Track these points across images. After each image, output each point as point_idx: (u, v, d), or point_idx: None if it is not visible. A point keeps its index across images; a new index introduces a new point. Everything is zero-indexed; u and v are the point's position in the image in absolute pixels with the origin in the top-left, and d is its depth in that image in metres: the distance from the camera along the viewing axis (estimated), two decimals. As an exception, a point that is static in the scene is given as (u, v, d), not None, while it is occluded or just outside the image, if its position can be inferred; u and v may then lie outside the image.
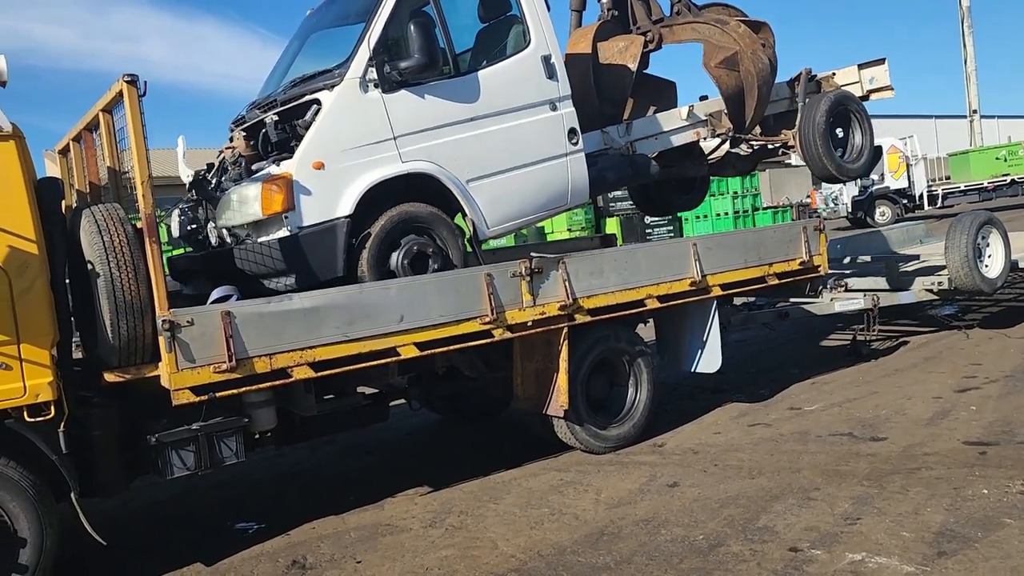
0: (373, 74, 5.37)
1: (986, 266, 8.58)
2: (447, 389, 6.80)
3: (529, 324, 5.73)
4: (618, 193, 29.37)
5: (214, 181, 5.69)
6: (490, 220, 5.87)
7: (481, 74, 5.88)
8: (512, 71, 6.02)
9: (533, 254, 5.80)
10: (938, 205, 26.86)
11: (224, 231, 5.49)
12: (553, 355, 5.98)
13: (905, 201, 26.66)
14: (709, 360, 6.81)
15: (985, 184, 26.80)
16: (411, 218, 5.48)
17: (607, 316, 6.12)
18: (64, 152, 6.21)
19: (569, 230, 25.11)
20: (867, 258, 9.83)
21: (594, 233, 24.49)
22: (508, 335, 5.65)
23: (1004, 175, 26.92)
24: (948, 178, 29.59)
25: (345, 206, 5.21)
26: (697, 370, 6.92)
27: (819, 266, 7.45)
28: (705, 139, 7.85)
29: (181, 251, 6.95)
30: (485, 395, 7.18)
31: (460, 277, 5.47)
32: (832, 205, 27.28)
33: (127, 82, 4.39)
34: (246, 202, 5.18)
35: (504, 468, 6.16)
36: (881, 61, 8.46)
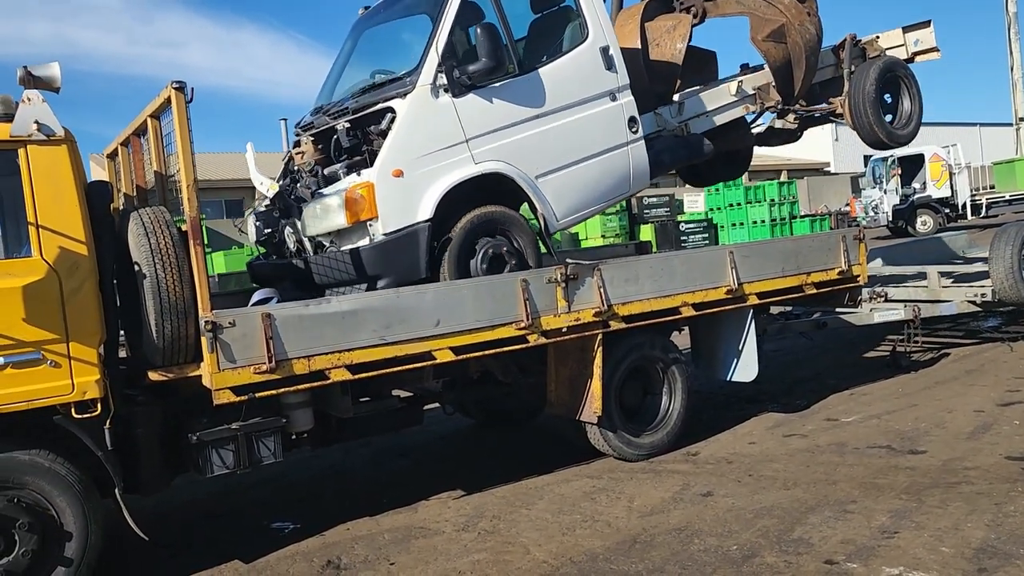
0: (443, 79, 5.54)
1: (1031, 278, 8.40)
2: (481, 394, 6.84)
3: (564, 330, 5.75)
4: (652, 200, 29.46)
5: (289, 188, 5.82)
6: (559, 213, 6.05)
7: (543, 71, 6.01)
8: (573, 65, 6.14)
9: (568, 260, 5.82)
10: (982, 215, 26.28)
11: (305, 239, 5.67)
12: (587, 361, 5.98)
13: (947, 210, 26.12)
14: (745, 369, 6.76)
15: (1030, 194, 26.16)
16: (490, 220, 5.68)
17: (642, 323, 6.12)
18: (112, 156, 6.37)
19: (603, 236, 25.08)
20: (909, 268, 9.70)
21: (628, 240, 24.49)
22: (543, 341, 5.68)
23: (1051, 185, 26.24)
24: (992, 187, 28.98)
25: (425, 210, 5.39)
26: (733, 379, 6.88)
27: (858, 276, 7.37)
28: (754, 114, 7.87)
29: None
30: (518, 400, 7.21)
31: (496, 282, 5.50)
32: (872, 214, 26.80)
33: (175, 89, 4.50)
34: (330, 212, 5.39)
35: (537, 473, 6.18)
36: (927, 23, 8.38)
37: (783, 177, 42.05)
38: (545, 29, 6.39)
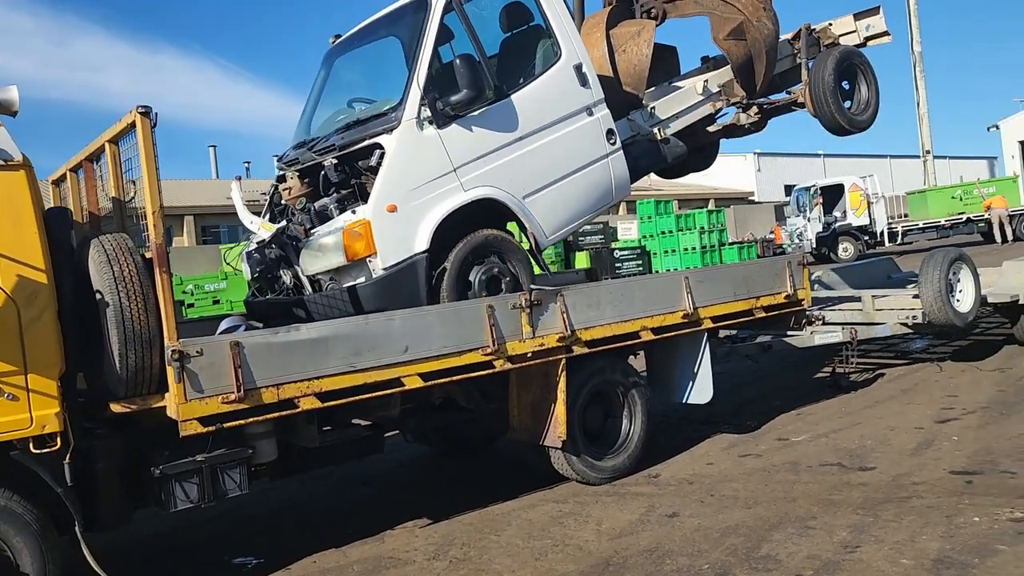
0: (427, 112, 5.63)
1: (958, 300, 8.83)
2: (443, 420, 6.78)
3: (529, 355, 5.79)
4: (586, 227, 29.87)
5: (283, 227, 5.79)
6: (547, 230, 6.26)
7: (521, 94, 6.18)
8: (549, 86, 6.32)
9: (532, 287, 5.88)
10: (898, 242, 27.59)
11: (304, 277, 5.66)
12: (550, 386, 6.03)
13: (866, 238, 27.33)
14: (700, 391, 6.91)
15: (942, 222, 27.61)
16: (483, 244, 5.84)
17: (603, 348, 6.21)
18: (59, 182, 6.17)
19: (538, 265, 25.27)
20: (843, 292, 10.09)
21: (564, 267, 24.75)
22: (509, 366, 5.71)
23: (960, 213, 27.80)
24: (906, 215, 30.44)
25: (422, 242, 5.53)
26: (688, 401, 7.01)
27: (803, 300, 7.64)
28: (720, 110, 8.20)
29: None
30: (477, 427, 7.19)
31: (462, 308, 5.52)
32: (797, 241, 27.81)
33: (140, 113, 4.41)
34: (328, 251, 5.44)
35: (502, 499, 6.16)
36: (876, 10, 8.81)
37: (711, 206, 43.28)
38: (516, 48, 6.57)
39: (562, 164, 6.29)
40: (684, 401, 7.04)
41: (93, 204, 5.63)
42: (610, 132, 6.59)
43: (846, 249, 27.18)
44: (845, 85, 8.35)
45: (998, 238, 26.67)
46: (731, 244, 30.20)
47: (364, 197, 5.53)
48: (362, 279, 5.44)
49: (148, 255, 4.54)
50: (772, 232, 33.22)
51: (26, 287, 4.20)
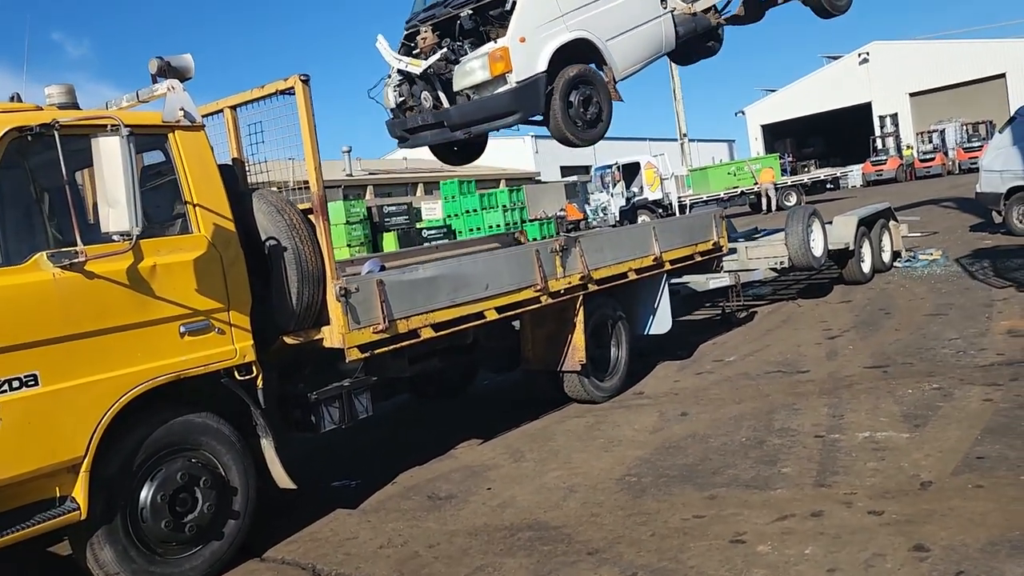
0: None
1: (813, 247, 10.99)
2: (466, 359, 7.59)
3: (562, 292, 6.87)
4: (391, 208, 30.17)
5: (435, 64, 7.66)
6: (620, 67, 8.36)
7: None
8: None
9: (563, 234, 6.94)
10: (687, 214, 31.07)
11: (443, 96, 7.67)
12: (567, 320, 7.13)
13: (661, 210, 30.54)
14: (661, 323, 8.33)
15: (721, 194, 31.54)
16: (579, 74, 7.85)
17: (606, 286, 7.41)
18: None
19: (349, 246, 25.50)
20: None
21: (371, 249, 25.04)
22: (550, 300, 6.75)
23: (735, 187, 31.89)
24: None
25: (542, 64, 7.56)
26: (650, 332, 8.40)
27: (723, 246, 9.30)
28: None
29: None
30: (466, 370, 8.16)
31: (520, 252, 6.54)
32: (602, 215, 30.43)
33: (302, 81, 4.96)
34: (477, 69, 7.45)
35: (526, 421, 7.16)
36: None
37: (502, 186, 45.36)
38: None
39: (631, 17, 8.41)
40: (646, 333, 8.42)
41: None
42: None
43: (644, 221, 30.18)
44: None
45: (764, 207, 31.01)
46: (531, 221, 32.05)
47: (489, 39, 7.51)
48: (503, 88, 7.38)
49: (302, 206, 5.10)
50: (563, 209, 35.78)
51: (222, 234, 4.64)
